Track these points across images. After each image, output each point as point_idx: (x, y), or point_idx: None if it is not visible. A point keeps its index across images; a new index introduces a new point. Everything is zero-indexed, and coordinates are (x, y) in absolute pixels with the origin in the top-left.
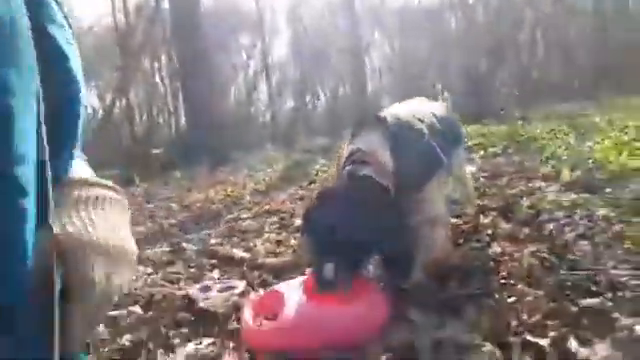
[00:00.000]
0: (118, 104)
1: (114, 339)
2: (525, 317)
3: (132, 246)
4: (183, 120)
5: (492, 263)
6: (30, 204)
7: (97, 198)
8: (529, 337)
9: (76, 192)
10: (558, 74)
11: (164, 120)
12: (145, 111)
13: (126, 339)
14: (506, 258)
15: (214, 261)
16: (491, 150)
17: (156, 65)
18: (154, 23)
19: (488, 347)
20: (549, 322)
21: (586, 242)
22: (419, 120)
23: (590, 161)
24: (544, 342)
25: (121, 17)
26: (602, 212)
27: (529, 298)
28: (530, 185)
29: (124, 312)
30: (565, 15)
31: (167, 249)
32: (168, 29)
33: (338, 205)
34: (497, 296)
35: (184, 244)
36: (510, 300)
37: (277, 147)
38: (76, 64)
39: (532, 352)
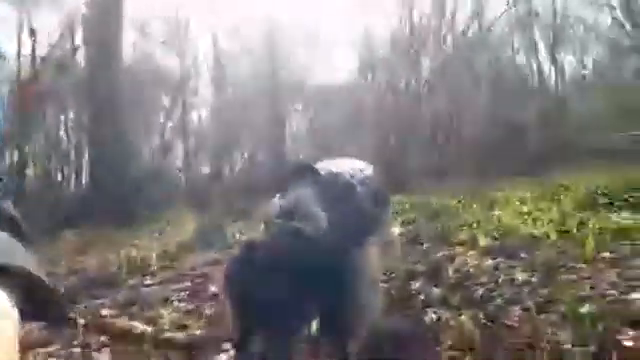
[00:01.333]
0: (9, 155)
1: None
2: None
3: None
4: (84, 178)
5: (431, 331)
6: None
7: None
8: None
9: None
10: (454, 156)
11: (63, 177)
12: (41, 165)
13: None
14: (445, 326)
15: (105, 337)
16: (409, 216)
17: (62, 117)
18: (63, 72)
19: None
20: None
21: (517, 307)
22: (351, 176)
23: (499, 228)
24: None
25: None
26: (522, 277)
27: None
28: (450, 250)
29: None
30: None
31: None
32: (80, 80)
33: (267, 260)
34: None
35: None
36: None
37: (189, 209)
38: None
39: None
